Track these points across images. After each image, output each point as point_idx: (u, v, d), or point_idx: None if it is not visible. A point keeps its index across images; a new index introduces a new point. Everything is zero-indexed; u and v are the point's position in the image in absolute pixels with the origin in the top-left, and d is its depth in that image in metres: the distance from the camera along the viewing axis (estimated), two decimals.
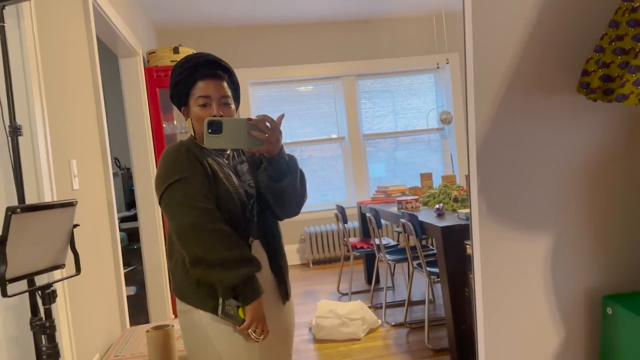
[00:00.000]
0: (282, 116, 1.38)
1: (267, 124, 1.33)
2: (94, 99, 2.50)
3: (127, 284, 4.28)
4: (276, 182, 1.42)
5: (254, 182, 1.52)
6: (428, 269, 3.20)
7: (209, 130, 1.30)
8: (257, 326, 1.36)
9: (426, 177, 4.16)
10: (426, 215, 3.22)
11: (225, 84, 1.48)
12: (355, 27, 5.67)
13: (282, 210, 1.49)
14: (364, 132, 5.91)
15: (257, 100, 5.65)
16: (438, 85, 6.00)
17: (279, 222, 1.86)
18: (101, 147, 2.51)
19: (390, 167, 6.02)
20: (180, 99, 1.51)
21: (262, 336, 1.37)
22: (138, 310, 4.09)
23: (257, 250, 1.50)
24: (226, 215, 1.41)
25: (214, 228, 1.32)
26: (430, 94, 6.01)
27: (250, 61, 5.47)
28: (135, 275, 4.47)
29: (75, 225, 1.43)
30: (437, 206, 3.19)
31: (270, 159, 1.38)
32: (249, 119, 1.32)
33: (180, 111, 1.55)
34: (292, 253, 5.73)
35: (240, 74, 5.44)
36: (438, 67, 5.11)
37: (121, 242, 4.34)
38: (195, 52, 1.59)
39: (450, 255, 2.83)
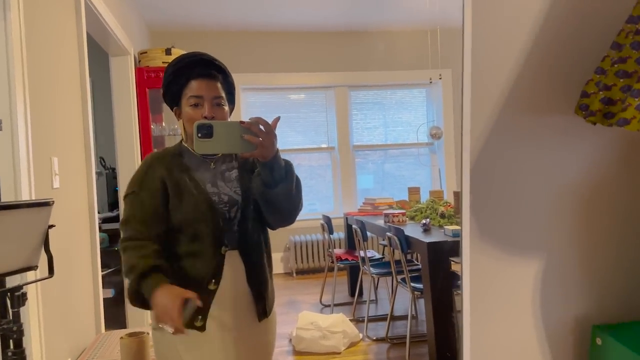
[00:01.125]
0: (277, 119, 1.30)
1: (261, 127, 1.26)
2: (81, 96, 2.44)
3: (105, 287, 4.19)
4: (270, 188, 1.35)
5: (242, 189, 1.45)
6: (412, 284, 3.17)
7: (199, 135, 1.23)
8: (164, 319, 1.24)
9: (414, 191, 4.14)
10: (412, 230, 3.19)
11: (218, 85, 1.43)
12: (350, 38, 5.67)
13: (274, 218, 1.42)
14: (354, 143, 5.89)
15: (248, 106, 5.61)
16: (429, 100, 6.00)
17: (272, 231, 1.81)
18: (85, 145, 2.45)
19: (378, 179, 6.00)
20: (173, 98, 1.47)
21: (173, 329, 1.23)
22: (116, 314, 3.99)
23: (234, 261, 1.43)
24: (193, 227, 1.39)
25: (127, 246, 1.35)
26: (421, 109, 6.01)
27: (243, 66, 5.44)
28: (114, 277, 4.38)
29: (51, 226, 1.37)
30: (423, 221, 3.16)
31: (265, 163, 1.31)
32: (242, 122, 1.25)
33: (173, 111, 1.50)
34: (276, 261, 5.67)
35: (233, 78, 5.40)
36: (431, 82, 5.11)
37: (102, 243, 4.25)
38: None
39: (435, 271, 2.80)
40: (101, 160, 4.72)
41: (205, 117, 1.39)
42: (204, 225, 1.39)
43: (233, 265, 1.43)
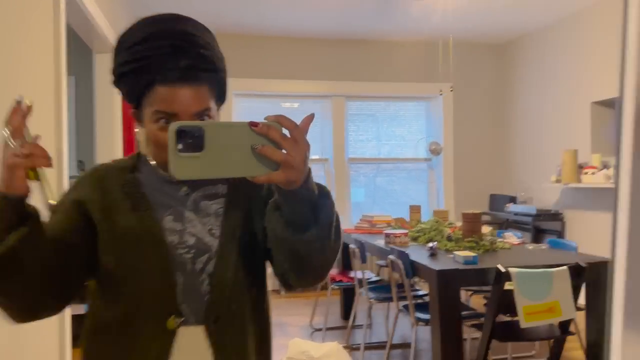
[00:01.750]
0: (311, 117, 0.80)
1: (286, 131, 0.77)
2: (54, 94, 2.15)
3: (77, 301, 3.85)
4: (297, 234, 0.85)
5: (224, 229, 0.97)
6: (417, 314, 2.90)
7: (179, 147, 0.73)
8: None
9: (415, 209, 3.89)
10: (418, 254, 2.93)
11: (205, 90, 0.92)
12: (349, 47, 5.43)
13: (298, 276, 0.93)
14: (349, 156, 5.64)
15: (240, 112, 5.33)
16: (429, 115, 5.78)
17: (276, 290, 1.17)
18: (56, 148, 2.16)
19: (369, 192, 5.75)
20: (129, 93, 0.95)
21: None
22: None
23: (193, 345, 0.93)
24: (126, 282, 0.93)
25: None
26: (418, 122, 5.79)
27: (236, 71, 5.17)
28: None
29: None
30: (430, 245, 2.91)
31: (290, 193, 0.81)
32: (252, 124, 0.76)
33: (131, 112, 1.00)
34: None
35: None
36: (441, 94, 4.91)
37: None
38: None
39: (445, 301, 2.54)
40: (79, 164, 4.41)
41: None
42: (147, 279, 0.92)
43: (191, 352, 0.93)
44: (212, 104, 0.95)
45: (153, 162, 1.00)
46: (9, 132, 0.80)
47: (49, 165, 0.81)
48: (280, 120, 0.77)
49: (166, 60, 0.89)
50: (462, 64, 5.64)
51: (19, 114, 0.80)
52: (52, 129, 2.10)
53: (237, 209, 1.00)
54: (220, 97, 1.01)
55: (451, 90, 3.83)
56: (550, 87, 4.97)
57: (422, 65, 5.56)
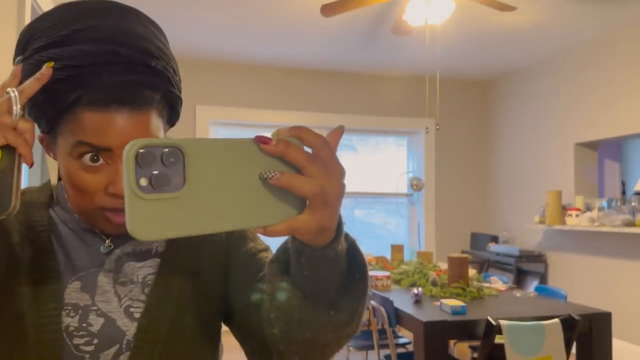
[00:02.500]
0: (341, 131, 0.53)
1: (309, 149, 0.49)
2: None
3: None
4: (321, 313, 0.58)
5: (151, 306, 0.70)
6: None
7: (143, 183, 0.43)
8: None
9: (397, 249, 3.73)
10: (401, 300, 2.76)
11: (153, 116, 0.66)
12: (333, 79, 5.34)
13: None
14: None
15: None
16: (411, 149, 5.70)
17: None
18: None
19: (347, 225, 5.58)
20: (37, 112, 0.66)
21: None
22: None
23: None
24: None
25: None
26: (401, 156, 5.69)
27: (215, 98, 5.00)
28: None
29: None
30: (415, 291, 2.74)
31: (316, 251, 0.54)
32: (261, 140, 0.48)
33: (38, 137, 0.70)
34: None
35: (202, 111, 4.95)
36: (427, 131, 4.81)
37: None
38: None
39: (431, 355, 2.37)
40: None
41: (116, 195, 0.64)
42: None
43: None
44: (161, 132, 0.68)
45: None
46: (17, 94, 0.59)
47: (28, 160, 0.58)
48: (302, 135, 0.48)
49: (101, 73, 0.62)
50: (446, 100, 5.59)
51: (40, 80, 0.60)
52: None
53: (177, 274, 0.71)
54: (172, 118, 0.73)
55: (437, 128, 3.71)
56: (534, 126, 4.93)
57: (406, 100, 5.49)
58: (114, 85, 0.62)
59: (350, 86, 5.38)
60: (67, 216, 0.74)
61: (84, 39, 0.63)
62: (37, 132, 0.65)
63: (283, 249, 0.60)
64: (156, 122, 0.67)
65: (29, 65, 0.64)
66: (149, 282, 0.71)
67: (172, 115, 0.73)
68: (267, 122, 5.19)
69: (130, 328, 0.68)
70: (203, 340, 0.73)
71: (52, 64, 0.61)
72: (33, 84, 0.60)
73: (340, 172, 0.50)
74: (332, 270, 0.56)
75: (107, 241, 0.72)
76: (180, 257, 0.74)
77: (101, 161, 0.64)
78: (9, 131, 0.56)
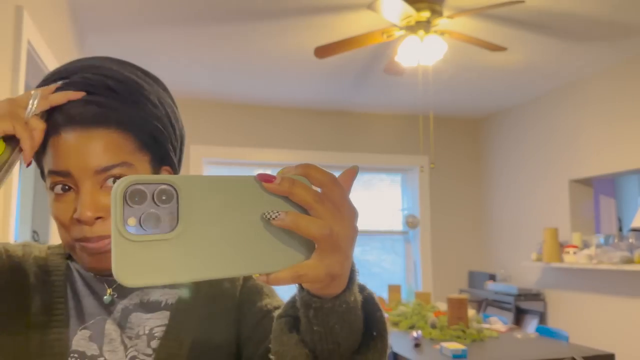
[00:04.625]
0: (355, 171, 0.49)
1: (319, 189, 0.44)
2: None
3: None
4: None
5: (160, 357, 0.67)
6: None
7: (132, 224, 0.39)
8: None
9: (394, 289, 3.67)
10: (401, 344, 2.69)
11: (120, 137, 0.65)
12: (327, 117, 5.37)
13: None
14: None
15: None
16: (405, 186, 5.69)
17: None
18: (3, 209, 1.90)
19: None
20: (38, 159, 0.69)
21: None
22: None
23: None
24: None
25: None
26: (395, 194, 5.68)
27: (209, 138, 5.01)
28: None
29: None
30: (414, 334, 2.67)
31: (325, 303, 0.48)
32: (264, 178, 0.43)
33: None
34: None
35: (197, 150, 4.94)
36: (422, 170, 4.81)
37: None
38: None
39: None
40: (34, 234, 4.08)
41: (79, 221, 0.63)
42: None
43: None
44: (135, 161, 0.65)
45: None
46: (38, 97, 0.61)
47: (27, 156, 0.60)
48: (310, 173, 0.44)
49: (66, 103, 0.63)
50: (440, 138, 5.62)
51: (67, 96, 0.63)
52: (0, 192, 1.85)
53: (188, 329, 0.69)
54: (164, 158, 0.71)
55: (432, 167, 3.72)
56: (528, 163, 4.95)
57: (400, 138, 5.51)
58: (69, 106, 0.63)
59: (344, 124, 5.41)
60: (78, 265, 0.74)
61: (59, 72, 0.69)
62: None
63: (291, 302, 0.54)
64: (124, 145, 0.64)
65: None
66: (155, 335, 0.68)
67: (162, 153, 0.70)
68: (262, 160, 5.19)
69: None
70: None
71: (84, 94, 0.64)
72: (60, 96, 0.62)
73: (352, 214, 0.45)
74: (345, 326, 0.49)
75: (109, 290, 0.70)
76: (193, 310, 0.70)
77: (70, 189, 0.64)
78: (19, 122, 0.58)
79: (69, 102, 0.63)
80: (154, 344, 0.68)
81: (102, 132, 0.63)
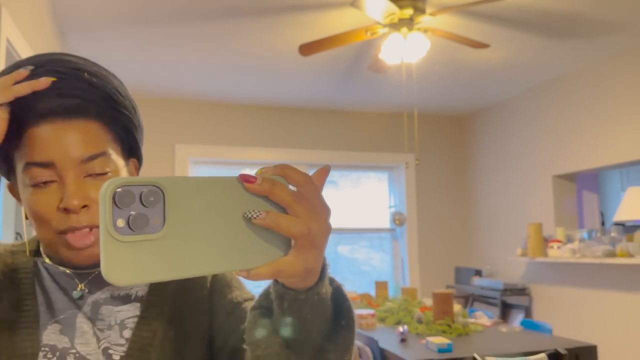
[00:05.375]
0: (327, 170, 0.52)
1: (293, 187, 0.47)
2: None
3: None
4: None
5: (128, 350, 0.67)
6: None
7: (120, 224, 0.40)
8: None
9: (381, 286, 3.69)
10: (387, 340, 2.71)
11: (98, 128, 0.67)
12: (312, 116, 5.38)
13: None
14: None
15: None
16: (392, 184, 5.71)
17: None
18: None
19: (330, 261, 5.49)
20: (1, 156, 0.68)
21: None
22: None
23: None
24: None
25: None
26: (382, 191, 5.70)
27: (194, 137, 4.99)
28: None
29: None
30: (400, 329, 2.69)
31: (300, 295, 0.51)
32: (245, 179, 0.45)
33: (7, 186, 0.71)
34: None
35: (182, 150, 4.92)
36: (407, 167, 4.83)
37: None
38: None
39: None
40: (17, 236, 4.03)
41: (67, 210, 0.63)
42: None
43: None
44: (111, 151, 0.67)
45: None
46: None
47: None
48: (287, 173, 0.46)
49: (42, 94, 0.62)
50: (425, 135, 5.66)
51: (32, 86, 0.61)
52: None
53: (160, 319, 0.69)
54: (132, 149, 0.73)
55: (417, 163, 3.74)
56: (511, 159, 5.00)
57: (385, 136, 5.54)
58: (46, 96, 0.63)
59: (329, 123, 5.42)
60: (47, 262, 0.73)
61: (32, 62, 0.66)
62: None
63: (265, 294, 0.57)
64: (102, 136, 0.66)
65: None
66: (127, 325, 0.69)
67: (131, 144, 0.73)
68: (248, 159, 5.18)
69: None
70: None
71: (54, 79, 0.63)
72: (24, 87, 0.61)
73: (326, 211, 0.48)
74: (316, 316, 0.52)
75: (80, 285, 0.70)
76: (164, 302, 0.71)
77: (51, 182, 0.64)
78: None
79: (43, 93, 0.63)
80: (126, 333, 0.69)
81: (81, 123, 0.65)
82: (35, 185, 0.64)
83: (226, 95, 4.85)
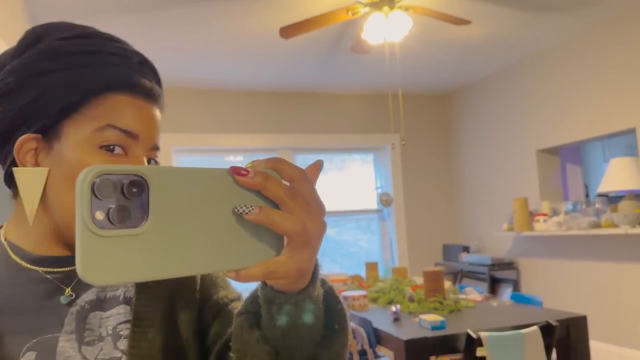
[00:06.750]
0: (319, 165, 0.49)
1: (291, 184, 0.44)
2: None
3: None
4: None
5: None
6: None
7: (99, 217, 0.36)
8: None
9: (371, 267, 3.70)
10: (380, 319, 2.72)
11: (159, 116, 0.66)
12: (296, 100, 5.33)
13: None
14: None
15: None
16: (377, 165, 5.72)
17: None
18: None
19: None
20: (35, 107, 0.58)
21: None
22: None
23: None
24: None
25: None
26: (368, 173, 5.71)
27: (177, 125, 4.92)
28: None
29: None
30: (393, 309, 2.70)
31: (290, 299, 0.47)
32: (236, 172, 0.41)
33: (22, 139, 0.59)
34: None
35: (165, 139, 4.85)
36: (393, 147, 4.82)
37: None
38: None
39: None
40: None
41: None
42: None
43: None
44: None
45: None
46: None
47: None
48: (280, 167, 0.43)
49: (119, 64, 0.60)
50: (409, 115, 5.65)
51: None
52: None
53: (155, 325, 0.62)
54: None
55: (403, 143, 3.73)
56: (495, 135, 5.02)
57: (370, 117, 5.52)
58: (135, 73, 0.62)
59: (314, 106, 5.38)
60: (16, 266, 0.61)
61: (107, 39, 0.66)
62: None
63: (252, 297, 0.52)
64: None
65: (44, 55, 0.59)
66: (121, 334, 0.61)
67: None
68: (231, 146, 5.13)
69: None
70: None
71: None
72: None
73: (321, 208, 0.44)
74: (307, 321, 0.49)
75: (67, 290, 0.60)
76: (157, 305, 0.63)
77: (121, 152, 0.59)
78: None
79: (133, 69, 0.62)
80: (122, 344, 0.61)
81: (158, 112, 0.65)
82: (106, 147, 0.57)
83: (206, 81, 4.78)
